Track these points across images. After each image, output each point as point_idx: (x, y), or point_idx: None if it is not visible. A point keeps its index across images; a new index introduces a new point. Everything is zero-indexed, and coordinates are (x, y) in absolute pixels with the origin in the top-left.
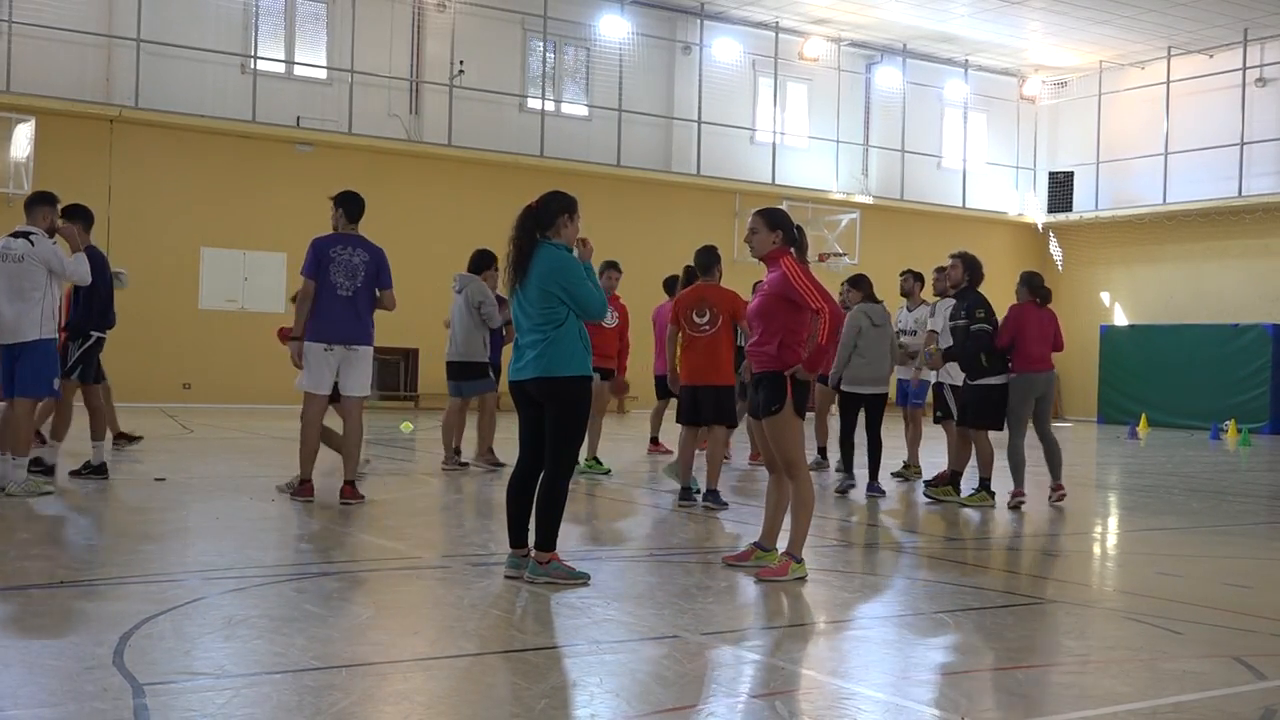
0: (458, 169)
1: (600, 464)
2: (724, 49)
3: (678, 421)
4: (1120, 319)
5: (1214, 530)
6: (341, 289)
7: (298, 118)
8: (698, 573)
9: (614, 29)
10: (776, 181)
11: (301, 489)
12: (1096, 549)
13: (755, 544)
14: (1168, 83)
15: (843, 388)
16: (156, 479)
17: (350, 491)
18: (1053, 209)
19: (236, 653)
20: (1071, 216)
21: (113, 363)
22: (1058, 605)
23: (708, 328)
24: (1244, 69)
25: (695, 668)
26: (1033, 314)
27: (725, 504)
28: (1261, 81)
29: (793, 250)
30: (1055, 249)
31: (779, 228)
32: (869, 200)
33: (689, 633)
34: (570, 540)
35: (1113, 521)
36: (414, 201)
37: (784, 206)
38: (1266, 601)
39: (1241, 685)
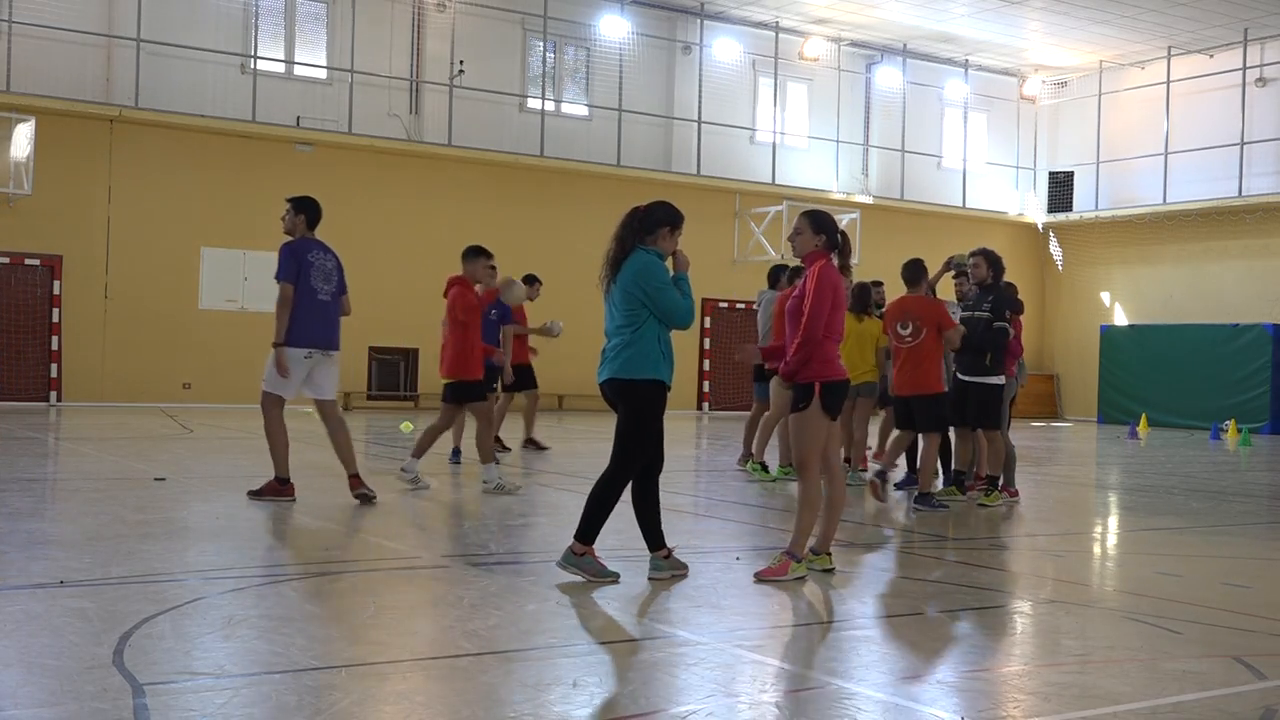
0: (458, 169)
1: (766, 469)
2: (724, 49)
3: (897, 427)
4: (1120, 319)
5: (1214, 530)
6: (321, 294)
7: (298, 118)
8: (698, 573)
9: (614, 29)
10: (776, 181)
11: (284, 489)
12: (1096, 549)
13: (810, 549)
14: (1168, 83)
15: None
16: (156, 479)
17: (359, 483)
18: (1053, 209)
19: (236, 653)
20: (1071, 216)
21: (113, 362)
22: (1058, 605)
23: (911, 339)
24: (1244, 69)
25: (695, 668)
26: None
27: (943, 506)
28: (1261, 81)
29: (833, 256)
30: (1055, 249)
31: (823, 231)
32: (869, 200)
33: (688, 632)
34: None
35: (1112, 521)
36: (414, 201)
37: (784, 207)
38: (1266, 601)
39: (1241, 685)
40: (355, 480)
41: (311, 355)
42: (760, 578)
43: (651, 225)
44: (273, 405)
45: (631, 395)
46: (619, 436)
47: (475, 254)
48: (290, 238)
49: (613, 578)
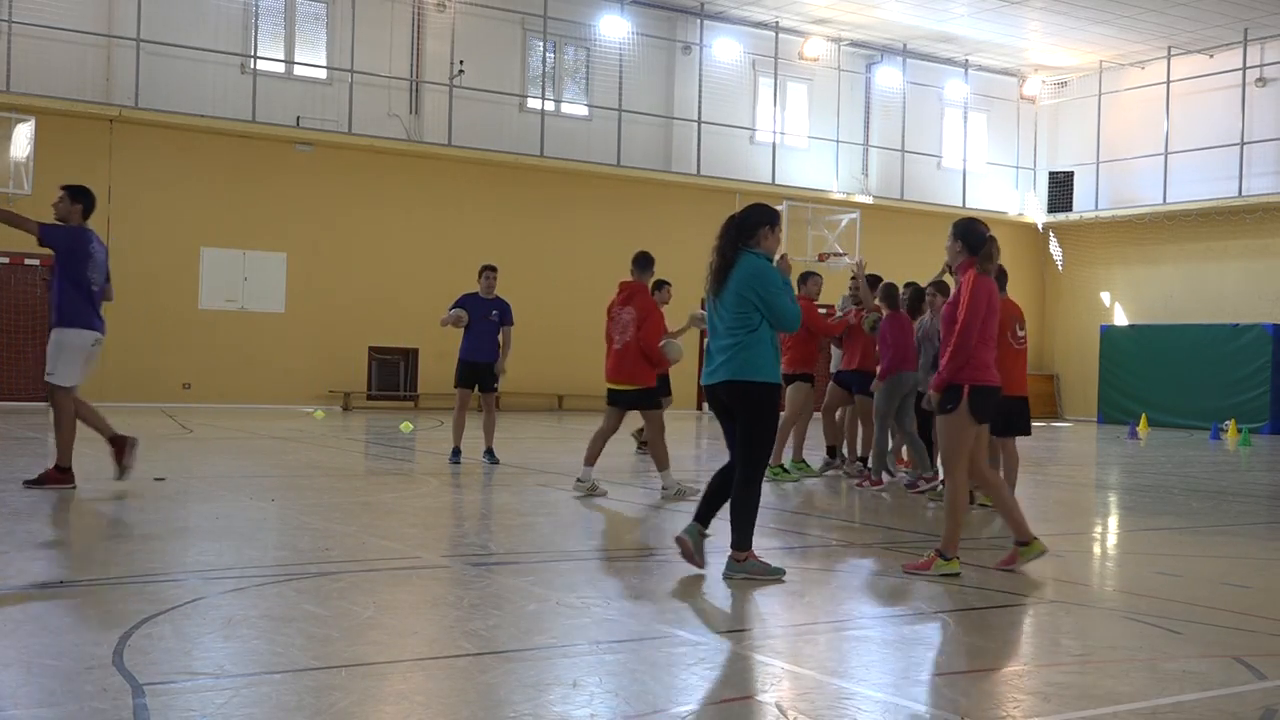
0: (458, 169)
1: (786, 471)
2: (724, 49)
3: (993, 433)
4: (1120, 319)
5: (1214, 530)
6: (95, 284)
7: (298, 118)
8: (698, 573)
9: (614, 29)
10: (777, 181)
11: (64, 477)
12: (1096, 549)
13: (936, 550)
14: (1168, 83)
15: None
16: (156, 479)
17: (61, 476)
18: (1053, 209)
19: (236, 653)
20: (1071, 216)
21: (113, 363)
22: (1058, 605)
23: (1025, 342)
24: (1244, 69)
25: (696, 668)
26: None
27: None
28: (1261, 81)
29: (977, 263)
30: (1055, 249)
31: (962, 239)
32: (869, 200)
33: (689, 633)
34: (573, 540)
35: (1112, 521)
36: (414, 201)
37: (783, 207)
38: (1266, 601)
39: (1241, 685)
40: (61, 474)
41: (99, 343)
42: (906, 570)
43: (750, 228)
44: (65, 395)
45: (750, 396)
46: (745, 440)
47: (650, 264)
48: (63, 223)
49: (779, 574)
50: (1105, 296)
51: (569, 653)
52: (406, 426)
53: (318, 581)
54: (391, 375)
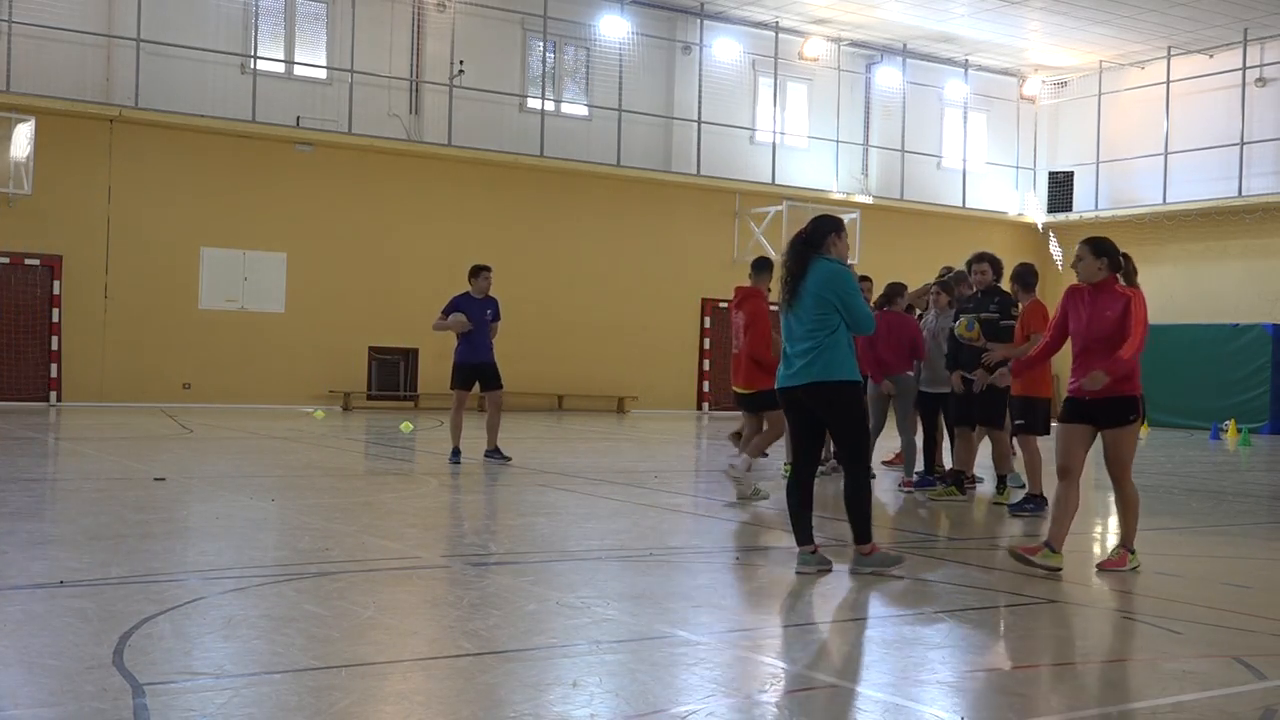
0: (458, 169)
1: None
2: (724, 49)
3: (1025, 433)
4: None
5: (1214, 530)
6: None
7: (298, 118)
8: (698, 573)
9: (614, 29)
10: (776, 181)
11: None
12: (1096, 549)
13: (1045, 543)
14: (1167, 83)
15: (924, 389)
16: (156, 479)
17: None
18: (1053, 209)
19: (236, 653)
20: (1071, 216)
21: (113, 363)
22: (1058, 605)
23: None
24: (1244, 69)
25: (696, 668)
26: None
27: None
28: (1261, 81)
29: (1119, 276)
30: (1055, 249)
31: (1104, 255)
32: (869, 200)
33: (689, 632)
34: (573, 540)
35: (1112, 521)
36: (414, 201)
37: (783, 207)
38: (1266, 601)
39: (1241, 685)
40: None
41: None
42: (1102, 568)
43: (818, 239)
44: None
45: (838, 396)
46: (844, 439)
47: (767, 267)
48: None
49: (899, 560)
50: None
51: (569, 653)
52: (406, 426)
53: (318, 581)
54: (391, 375)
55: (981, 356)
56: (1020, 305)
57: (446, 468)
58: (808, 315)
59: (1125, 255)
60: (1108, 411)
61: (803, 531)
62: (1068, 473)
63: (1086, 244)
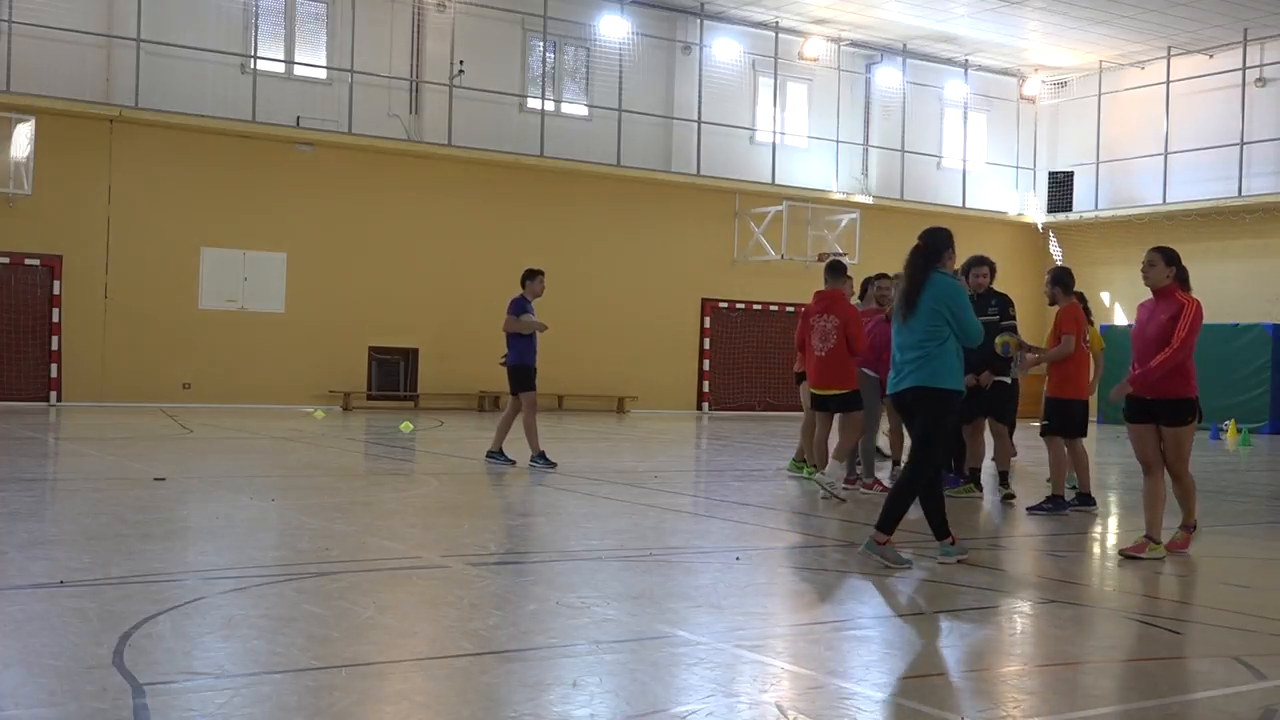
0: (458, 169)
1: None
2: (724, 49)
3: (1058, 434)
4: (1120, 319)
5: (1214, 530)
6: None
7: (298, 118)
8: (698, 573)
9: (614, 29)
10: (776, 181)
11: None
12: (1096, 549)
13: (1147, 536)
14: (1167, 83)
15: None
16: (156, 479)
17: None
18: (1053, 209)
19: (236, 653)
20: (1071, 216)
21: (113, 363)
22: (1058, 605)
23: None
24: (1244, 69)
25: (695, 668)
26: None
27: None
28: (1261, 81)
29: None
30: (1055, 249)
31: (1174, 264)
32: (869, 200)
33: (689, 632)
34: (573, 540)
35: (1112, 521)
36: (414, 201)
37: (783, 207)
38: (1266, 601)
39: (1241, 685)
40: None
41: None
42: (1126, 554)
43: (935, 253)
44: None
45: (933, 401)
46: (921, 440)
47: (842, 270)
48: None
49: (907, 564)
50: (1105, 296)
51: (569, 653)
52: (406, 426)
53: (318, 581)
54: (391, 375)
55: (1012, 361)
56: (1057, 307)
57: (446, 468)
58: (920, 326)
59: (1184, 270)
60: (1168, 412)
61: (936, 526)
62: (1149, 467)
63: (1158, 251)
